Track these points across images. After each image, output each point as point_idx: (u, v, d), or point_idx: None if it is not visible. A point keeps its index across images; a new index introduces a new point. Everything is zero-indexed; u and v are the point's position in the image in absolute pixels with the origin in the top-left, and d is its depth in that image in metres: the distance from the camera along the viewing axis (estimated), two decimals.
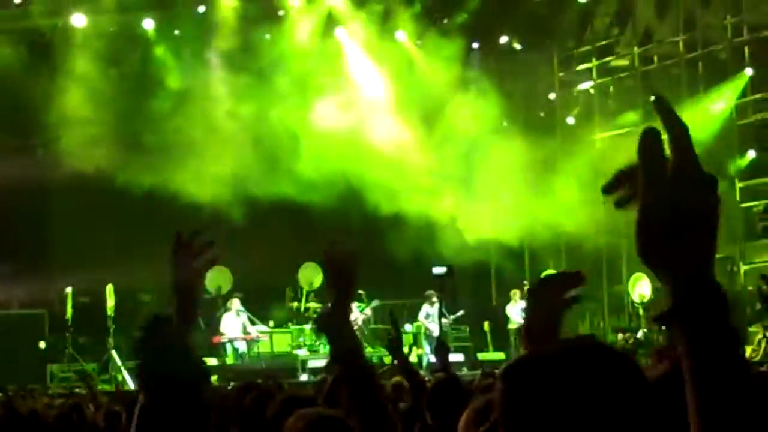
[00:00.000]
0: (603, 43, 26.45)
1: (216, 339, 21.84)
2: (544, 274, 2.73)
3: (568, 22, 26.85)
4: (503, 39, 26.78)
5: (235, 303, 22.19)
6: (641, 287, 23.12)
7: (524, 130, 24.79)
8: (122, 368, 21.15)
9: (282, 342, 23.07)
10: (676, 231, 1.59)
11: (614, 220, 21.83)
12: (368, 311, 22.82)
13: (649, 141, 1.63)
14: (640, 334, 21.97)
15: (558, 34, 27.21)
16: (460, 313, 23.20)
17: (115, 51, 23.65)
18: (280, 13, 24.73)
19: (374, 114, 24.75)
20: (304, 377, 20.55)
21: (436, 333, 20.40)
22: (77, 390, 17.85)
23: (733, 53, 24.10)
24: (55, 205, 24.83)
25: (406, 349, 11.10)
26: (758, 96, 23.69)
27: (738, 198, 23.60)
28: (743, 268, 23.31)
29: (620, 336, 22.71)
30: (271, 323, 23.38)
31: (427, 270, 16.18)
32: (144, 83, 23.41)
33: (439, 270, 15.72)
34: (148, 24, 24.14)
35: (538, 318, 2.55)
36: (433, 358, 19.01)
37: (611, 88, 26.97)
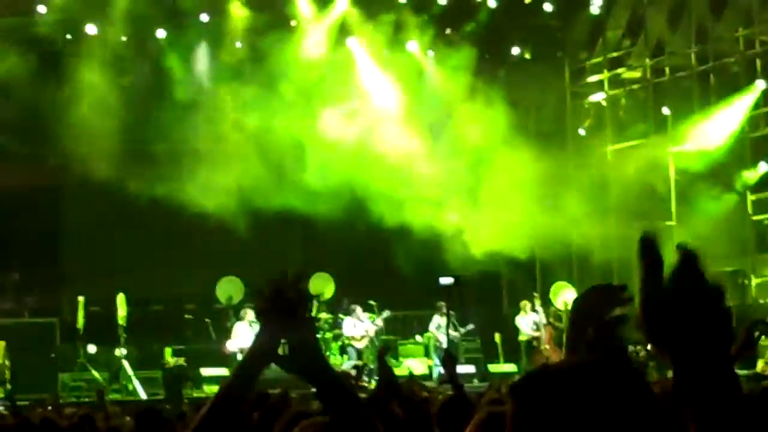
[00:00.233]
0: (615, 54, 26.43)
1: (226, 348, 21.81)
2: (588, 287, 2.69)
3: (580, 33, 26.86)
4: (514, 50, 26.79)
5: (249, 314, 22.13)
6: None
7: (535, 142, 24.73)
8: (133, 377, 21.17)
9: None
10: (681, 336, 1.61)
11: (625, 232, 21.82)
12: (379, 322, 22.78)
13: (648, 246, 1.65)
14: (650, 347, 21.86)
15: (569, 46, 27.22)
16: (470, 326, 23.17)
17: (125, 61, 23.76)
18: (292, 23, 24.81)
19: (382, 124, 24.76)
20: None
21: (444, 344, 20.36)
22: (87, 399, 17.88)
23: (746, 66, 24.08)
24: (66, 214, 24.91)
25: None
26: None
27: (750, 211, 23.56)
28: (754, 281, 23.19)
29: (631, 348, 22.62)
30: None
31: (434, 281, 16.12)
32: (153, 93, 23.47)
33: (446, 280, 15.66)
34: (161, 34, 24.23)
35: (578, 329, 2.53)
36: (442, 370, 18.97)
37: (623, 100, 26.93)
